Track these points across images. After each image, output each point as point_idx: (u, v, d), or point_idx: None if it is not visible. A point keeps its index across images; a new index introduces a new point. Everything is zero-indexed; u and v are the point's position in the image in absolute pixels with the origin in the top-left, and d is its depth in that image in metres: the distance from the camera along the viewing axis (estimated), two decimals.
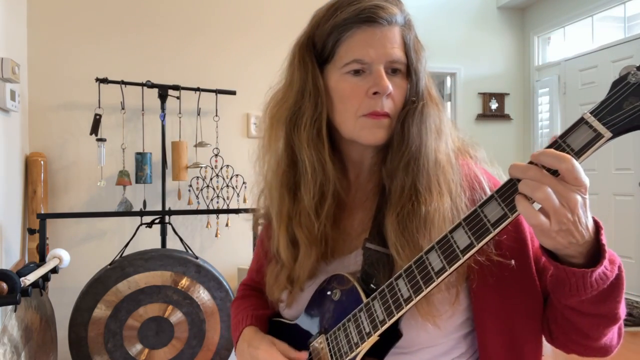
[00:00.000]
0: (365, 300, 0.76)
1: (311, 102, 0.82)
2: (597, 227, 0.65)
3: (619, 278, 0.68)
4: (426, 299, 0.71)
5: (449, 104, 5.75)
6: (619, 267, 0.68)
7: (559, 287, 0.70)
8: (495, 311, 0.78)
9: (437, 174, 0.77)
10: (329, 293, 0.82)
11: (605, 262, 0.65)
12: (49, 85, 2.26)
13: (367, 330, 0.73)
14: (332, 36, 0.80)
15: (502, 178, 0.83)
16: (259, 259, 1.03)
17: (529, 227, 0.79)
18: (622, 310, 0.72)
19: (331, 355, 0.78)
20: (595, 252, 0.66)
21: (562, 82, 5.29)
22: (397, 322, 0.73)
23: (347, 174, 0.89)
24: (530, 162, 0.61)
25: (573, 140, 0.60)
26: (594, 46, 4.99)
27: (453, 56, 5.57)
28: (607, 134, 0.59)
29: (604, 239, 0.65)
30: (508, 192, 0.63)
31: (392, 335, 0.75)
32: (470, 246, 0.65)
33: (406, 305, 0.69)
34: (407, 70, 0.81)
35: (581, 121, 0.60)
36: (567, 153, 0.59)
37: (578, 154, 0.59)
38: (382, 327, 0.72)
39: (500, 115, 5.75)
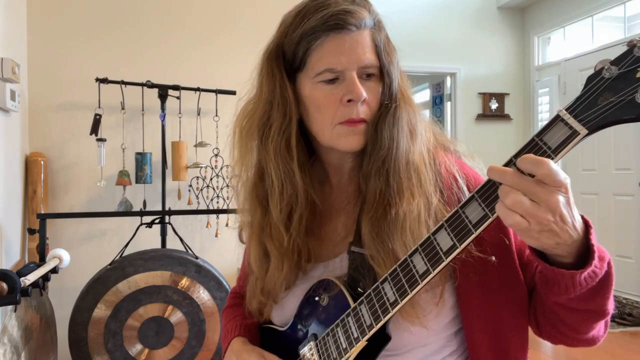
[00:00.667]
0: (352, 305, 0.75)
1: (279, 112, 0.80)
2: (587, 226, 0.65)
3: (608, 275, 0.67)
4: (410, 302, 0.71)
5: (448, 104, 5.75)
6: (609, 264, 0.68)
7: (547, 285, 0.70)
8: (480, 307, 0.78)
9: (410, 176, 0.76)
10: (317, 299, 0.82)
11: (595, 261, 0.64)
12: (49, 85, 2.26)
13: (355, 335, 0.73)
14: (302, 45, 0.78)
15: (484, 171, 0.83)
16: (245, 268, 1.03)
17: None
18: (611, 305, 0.71)
19: None
20: (585, 251, 0.65)
21: (562, 82, 5.29)
22: (385, 326, 0.73)
23: (329, 179, 0.89)
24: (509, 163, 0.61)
25: (550, 138, 0.59)
26: (594, 46, 4.99)
27: (453, 56, 5.57)
28: (583, 130, 0.58)
29: (594, 238, 0.64)
30: (488, 191, 0.62)
31: (380, 339, 0.75)
32: (453, 247, 0.64)
33: (392, 309, 0.69)
34: (380, 73, 0.79)
35: (557, 118, 0.59)
36: (544, 151, 0.59)
37: (555, 151, 0.58)
38: (369, 331, 0.72)
39: (500, 115, 5.75)
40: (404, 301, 0.68)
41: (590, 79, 0.59)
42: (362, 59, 0.76)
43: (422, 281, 0.67)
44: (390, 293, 0.70)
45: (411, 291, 0.67)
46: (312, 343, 0.81)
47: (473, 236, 0.63)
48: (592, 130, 0.58)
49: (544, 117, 5.59)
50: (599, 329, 0.76)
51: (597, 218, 4.78)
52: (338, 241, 0.85)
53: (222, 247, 2.44)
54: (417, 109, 0.82)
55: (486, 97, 5.74)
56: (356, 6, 0.77)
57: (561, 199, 0.58)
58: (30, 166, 2.15)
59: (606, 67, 0.58)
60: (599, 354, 3.05)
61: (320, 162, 0.88)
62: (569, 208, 0.60)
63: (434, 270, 0.66)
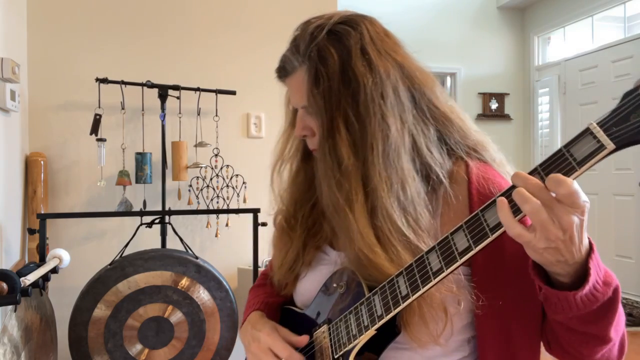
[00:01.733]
0: (367, 294, 0.77)
1: None
2: (591, 249, 0.65)
3: (612, 301, 0.67)
4: (421, 320, 0.73)
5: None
6: (615, 290, 0.67)
7: (546, 303, 0.71)
8: (493, 314, 0.78)
9: (335, 220, 0.82)
10: (335, 285, 0.85)
11: (596, 284, 0.65)
12: (49, 85, 2.26)
13: (366, 323, 0.75)
14: None
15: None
16: None
17: None
18: (616, 332, 0.71)
19: (331, 345, 0.81)
20: (584, 274, 0.65)
21: (562, 82, 5.29)
22: (395, 319, 0.75)
23: None
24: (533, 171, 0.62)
25: (577, 150, 0.59)
26: (594, 46, 4.99)
27: (453, 56, 5.57)
28: (610, 145, 0.58)
29: (593, 262, 0.65)
30: (509, 197, 0.63)
31: (390, 331, 0.76)
32: (468, 249, 0.65)
33: (403, 302, 0.71)
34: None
35: (586, 131, 0.59)
36: (569, 162, 0.59)
37: (580, 164, 0.59)
38: (379, 321, 0.73)
39: (500, 115, 5.75)
40: (415, 296, 0.70)
41: (626, 95, 0.58)
42: (297, 103, 0.86)
43: (434, 278, 0.68)
44: (403, 287, 0.71)
45: (423, 287, 0.69)
46: (325, 326, 0.84)
47: (489, 239, 0.64)
48: (620, 147, 0.58)
49: (543, 117, 5.59)
50: (608, 354, 0.75)
51: (597, 218, 4.78)
52: None
53: (222, 247, 2.44)
54: (345, 147, 0.78)
55: (486, 97, 5.74)
56: (289, 48, 0.86)
57: (576, 220, 0.60)
58: (30, 166, 2.15)
59: None
60: None
61: None
62: (581, 230, 0.61)
63: (447, 269, 0.67)
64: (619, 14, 4.82)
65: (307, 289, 0.92)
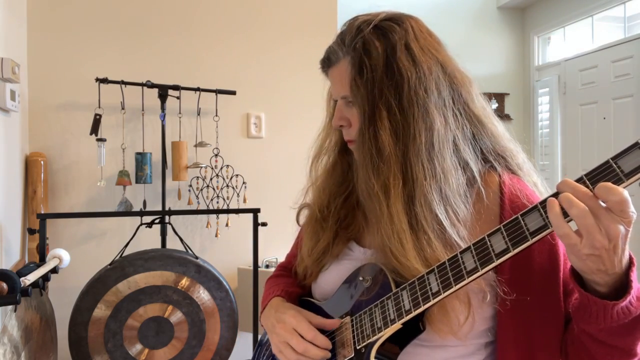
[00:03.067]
0: (394, 289, 0.78)
1: None
2: (631, 262, 0.66)
3: None
4: (442, 310, 0.74)
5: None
6: None
7: (580, 312, 0.71)
8: (517, 325, 0.79)
9: (370, 207, 0.83)
10: (360, 279, 0.86)
11: (631, 298, 0.66)
12: (49, 85, 2.26)
13: (392, 317, 0.76)
14: None
15: (534, 183, 0.87)
16: (298, 245, 1.08)
17: (563, 248, 0.80)
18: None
19: (354, 336, 0.82)
20: (622, 286, 0.66)
21: (562, 82, 5.29)
22: (421, 316, 0.76)
23: None
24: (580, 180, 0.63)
25: (625, 162, 0.60)
26: (594, 46, 4.99)
27: (453, 56, 5.56)
28: None
29: (634, 275, 0.66)
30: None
31: (415, 327, 0.77)
32: (505, 251, 0.66)
33: (433, 299, 0.72)
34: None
35: (636, 145, 0.60)
36: (617, 174, 0.60)
37: (627, 175, 0.60)
38: (406, 316, 0.74)
39: (500, 115, 5.75)
40: (446, 293, 0.70)
41: None
42: (338, 92, 0.88)
43: (468, 277, 0.69)
44: (435, 284, 0.72)
45: (455, 285, 0.70)
46: (348, 318, 0.85)
47: (528, 243, 0.65)
48: None
49: (544, 117, 5.59)
50: None
51: None
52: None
53: (222, 247, 2.44)
54: (387, 136, 0.80)
55: (486, 97, 5.74)
56: (336, 41, 0.88)
57: (622, 230, 0.60)
58: (30, 166, 2.15)
59: None
60: None
61: None
62: (625, 241, 0.62)
63: (482, 268, 0.68)
64: (619, 14, 4.82)
65: (328, 282, 0.93)
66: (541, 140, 5.61)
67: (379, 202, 0.80)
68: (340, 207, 0.95)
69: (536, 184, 0.88)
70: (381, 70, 0.81)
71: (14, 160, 1.99)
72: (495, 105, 5.76)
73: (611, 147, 4.41)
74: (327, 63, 0.89)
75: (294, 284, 1.03)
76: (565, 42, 5.48)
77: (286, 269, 1.11)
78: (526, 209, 0.66)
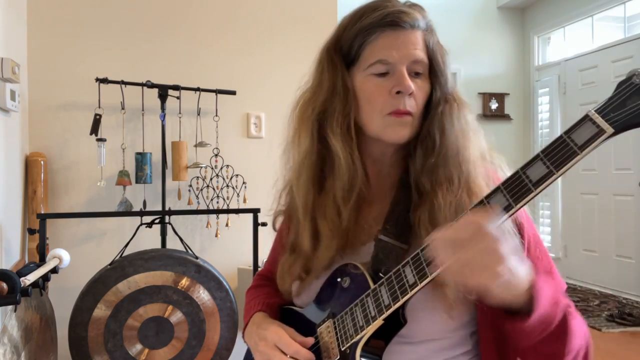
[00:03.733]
0: (372, 286, 0.78)
1: (341, 100, 0.86)
2: (534, 272, 0.70)
3: (564, 322, 0.71)
4: (439, 291, 0.75)
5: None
6: (565, 314, 0.72)
7: (505, 332, 0.75)
8: (492, 313, 0.79)
9: (468, 170, 0.82)
10: (338, 280, 0.85)
11: (544, 308, 0.68)
12: (49, 85, 2.26)
13: (373, 314, 0.76)
14: (358, 39, 0.84)
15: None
16: (276, 252, 1.06)
17: (530, 236, 0.82)
18: (573, 345, 0.73)
19: (337, 338, 0.81)
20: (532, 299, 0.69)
21: (562, 82, 5.29)
22: (402, 310, 0.76)
23: (366, 170, 0.91)
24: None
25: (577, 136, 0.63)
26: (594, 46, 4.99)
27: (453, 56, 5.45)
28: (609, 129, 0.61)
29: (537, 288, 0.68)
30: (514, 184, 0.66)
31: (397, 321, 0.77)
32: None
33: (411, 291, 0.72)
34: (429, 73, 0.86)
35: (585, 118, 0.63)
36: (571, 147, 0.62)
37: (581, 148, 0.62)
38: (387, 311, 0.74)
39: (500, 115, 5.75)
40: (422, 283, 0.70)
41: (620, 84, 0.63)
42: (412, 54, 0.82)
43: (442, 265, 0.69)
44: (410, 275, 0.72)
45: (430, 274, 0.69)
46: (329, 321, 0.84)
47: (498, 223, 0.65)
48: (618, 130, 0.62)
49: (543, 117, 5.59)
50: None
51: (597, 218, 4.78)
52: (369, 230, 0.88)
53: (222, 247, 2.44)
54: (470, 112, 0.87)
55: (486, 97, 5.74)
56: (411, 9, 0.84)
57: (501, 248, 0.63)
58: (30, 166, 2.15)
59: (637, 74, 0.63)
60: (599, 353, 3.05)
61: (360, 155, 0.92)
62: (514, 255, 0.64)
63: None
64: (619, 14, 4.82)
65: (308, 289, 0.92)
66: (541, 141, 5.61)
67: (473, 166, 0.83)
68: (356, 200, 0.89)
69: (501, 167, 0.90)
70: (445, 53, 0.88)
71: (14, 160, 1.99)
72: (495, 105, 5.76)
73: (611, 147, 4.41)
74: (409, 24, 0.83)
75: (274, 293, 1.01)
76: (565, 42, 5.48)
77: (265, 277, 1.09)
78: (489, 192, 0.67)
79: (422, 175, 0.83)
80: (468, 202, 0.78)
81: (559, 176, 0.63)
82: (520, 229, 0.81)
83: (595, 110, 0.63)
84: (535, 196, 0.65)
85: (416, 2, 0.88)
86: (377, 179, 0.91)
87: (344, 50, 0.87)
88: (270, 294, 1.01)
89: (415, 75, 0.83)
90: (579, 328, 0.74)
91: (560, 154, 0.63)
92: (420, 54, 0.83)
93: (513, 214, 0.65)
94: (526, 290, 0.68)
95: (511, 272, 0.63)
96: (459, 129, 0.84)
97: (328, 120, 0.87)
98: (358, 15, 0.85)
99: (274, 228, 1.03)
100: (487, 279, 0.63)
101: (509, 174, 0.87)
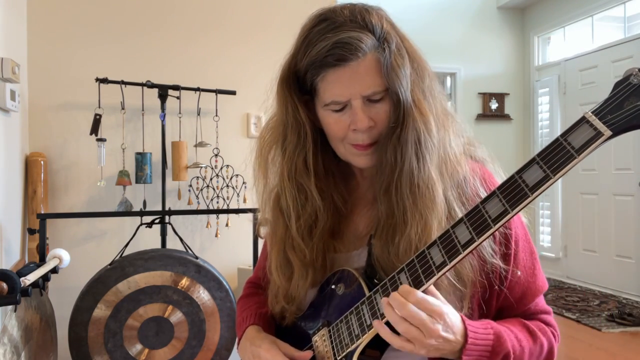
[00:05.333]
0: (367, 293, 0.77)
1: (294, 133, 0.84)
2: (463, 321, 0.73)
3: (498, 341, 0.74)
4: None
5: (449, 104, 5.75)
6: (497, 337, 0.75)
7: None
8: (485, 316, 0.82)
9: (416, 199, 0.77)
10: (333, 287, 0.84)
11: (478, 335, 0.72)
12: (49, 85, 2.26)
13: (369, 322, 0.75)
14: (308, 75, 0.80)
15: (502, 176, 0.85)
16: (264, 258, 1.04)
17: (517, 235, 0.82)
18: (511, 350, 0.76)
19: (333, 347, 0.80)
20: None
21: (562, 82, 5.29)
22: None
23: (355, 173, 0.91)
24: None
25: (574, 138, 0.61)
26: (594, 46, 4.99)
27: (453, 56, 5.56)
28: (607, 132, 0.59)
29: (472, 328, 0.73)
30: (509, 189, 0.65)
31: (392, 329, 0.75)
32: (470, 241, 0.66)
33: None
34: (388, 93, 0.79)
35: (582, 120, 0.61)
36: (568, 150, 0.61)
37: (578, 151, 0.60)
38: (382, 319, 0.73)
39: (500, 115, 5.75)
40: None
41: (617, 84, 0.61)
42: (362, 90, 0.77)
43: (438, 272, 0.69)
44: (406, 283, 0.71)
45: (426, 281, 0.70)
46: (324, 329, 0.83)
47: (491, 230, 0.65)
48: (616, 132, 0.60)
49: (544, 117, 5.59)
50: None
51: (597, 218, 4.78)
52: (360, 234, 0.87)
53: (222, 247, 2.44)
54: (431, 122, 0.79)
55: (486, 97, 5.74)
56: (355, 30, 0.76)
57: (439, 327, 0.69)
58: (30, 166, 2.15)
59: (634, 73, 0.60)
60: (599, 354, 3.05)
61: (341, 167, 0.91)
62: (450, 329, 0.70)
63: (450, 262, 0.68)
64: (619, 14, 4.82)
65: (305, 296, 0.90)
66: (541, 141, 5.61)
67: (432, 189, 0.77)
68: (328, 227, 0.87)
69: (495, 171, 0.88)
70: (407, 59, 0.78)
71: (14, 160, 1.99)
72: (495, 105, 5.76)
73: (611, 147, 4.41)
74: (354, 56, 0.75)
75: (265, 302, 0.98)
76: (565, 42, 5.48)
77: (255, 285, 1.08)
78: (485, 197, 0.67)
79: (381, 197, 0.81)
80: (419, 233, 0.76)
81: (555, 180, 0.62)
82: (507, 229, 0.81)
83: (592, 112, 0.61)
84: (531, 201, 0.64)
85: (364, 5, 0.80)
86: (366, 181, 0.90)
87: (299, 81, 0.83)
88: (261, 303, 0.99)
89: (374, 101, 0.78)
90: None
91: (557, 157, 0.61)
92: (371, 85, 0.76)
93: (510, 219, 0.65)
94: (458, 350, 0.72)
95: (441, 340, 0.69)
96: (410, 151, 0.77)
97: (285, 153, 0.85)
98: (305, 44, 0.80)
99: (259, 235, 1.02)
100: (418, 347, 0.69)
101: (494, 167, 0.87)
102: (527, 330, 0.81)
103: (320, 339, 0.83)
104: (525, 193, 0.63)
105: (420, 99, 0.79)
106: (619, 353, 3.05)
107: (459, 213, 0.77)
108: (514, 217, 0.79)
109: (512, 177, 0.65)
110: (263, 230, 0.98)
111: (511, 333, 0.77)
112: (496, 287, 0.80)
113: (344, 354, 0.77)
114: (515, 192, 0.64)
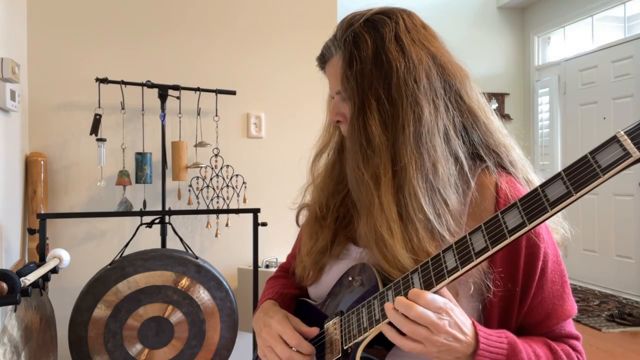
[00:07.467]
0: (381, 289, 0.79)
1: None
2: (474, 326, 0.73)
3: (513, 350, 0.74)
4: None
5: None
6: (512, 347, 0.74)
7: None
8: (500, 316, 0.81)
9: (361, 195, 0.83)
10: (350, 279, 0.87)
11: (491, 342, 0.72)
12: (49, 85, 2.26)
13: (377, 317, 0.76)
14: None
15: (533, 185, 0.87)
16: (297, 246, 1.08)
17: (547, 255, 0.81)
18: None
19: (342, 336, 0.83)
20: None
21: (562, 82, 5.29)
22: None
23: None
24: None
25: (602, 157, 0.59)
26: (594, 46, 4.99)
27: (452, 51, 5.56)
28: (636, 154, 0.57)
29: (482, 338, 0.72)
30: (530, 202, 0.64)
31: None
32: (485, 249, 0.67)
33: None
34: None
35: (613, 139, 0.59)
36: (594, 169, 0.59)
37: (604, 170, 0.58)
38: (384, 320, 0.74)
39: (500, 115, 5.75)
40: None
41: None
42: (331, 89, 0.92)
43: (449, 277, 0.69)
44: (418, 284, 0.73)
45: (437, 284, 0.70)
46: (337, 318, 0.86)
47: (506, 242, 0.65)
48: None
49: (544, 117, 5.59)
50: None
51: (597, 218, 4.78)
52: None
53: (222, 247, 2.44)
54: (376, 121, 0.81)
55: (486, 97, 5.74)
56: (330, 39, 0.90)
57: (445, 322, 0.68)
58: (30, 166, 2.15)
59: None
60: (599, 354, 3.05)
61: None
62: (457, 326, 0.70)
63: (462, 268, 0.68)
64: (619, 14, 4.82)
65: (326, 283, 0.94)
66: (541, 140, 5.62)
67: (369, 192, 0.80)
68: (339, 205, 0.95)
69: (531, 182, 0.87)
70: (370, 62, 0.82)
71: (14, 160, 1.99)
72: (495, 105, 5.76)
73: None
74: (322, 59, 0.91)
75: (291, 285, 1.04)
76: (565, 42, 5.48)
77: (286, 269, 1.12)
78: (506, 207, 0.67)
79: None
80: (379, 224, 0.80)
81: (577, 198, 0.60)
82: (535, 248, 0.80)
83: (624, 132, 0.58)
84: (550, 217, 0.62)
85: (356, 12, 0.88)
86: None
87: None
88: (286, 285, 1.04)
89: (344, 99, 0.87)
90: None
91: (582, 174, 0.59)
92: (336, 85, 0.88)
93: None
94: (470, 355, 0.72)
95: (447, 343, 0.69)
96: (352, 149, 0.84)
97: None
98: None
99: (297, 222, 1.06)
100: (425, 348, 0.70)
101: (526, 175, 0.87)
102: (549, 348, 0.79)
103: (332, 326, 0.86)
104: (544, 208, 0.62)
105: (371, 100, 0.82)
106: (619, 353, 3.05)
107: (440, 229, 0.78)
108: (546, 236, 0.81)
109: (535, 190, 0.64)
110: (302, 218, 1.03)
111: (529, 347, 0.76)
112: (516, 307, 0.80)
113: (351, 344, 0.80)
114: (535, 205, 0.63)
